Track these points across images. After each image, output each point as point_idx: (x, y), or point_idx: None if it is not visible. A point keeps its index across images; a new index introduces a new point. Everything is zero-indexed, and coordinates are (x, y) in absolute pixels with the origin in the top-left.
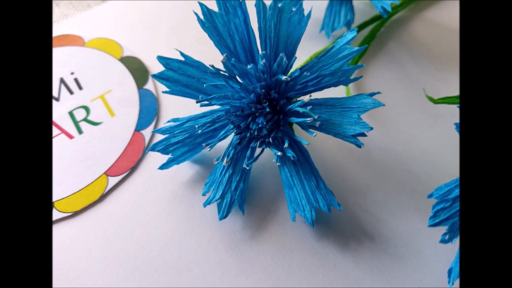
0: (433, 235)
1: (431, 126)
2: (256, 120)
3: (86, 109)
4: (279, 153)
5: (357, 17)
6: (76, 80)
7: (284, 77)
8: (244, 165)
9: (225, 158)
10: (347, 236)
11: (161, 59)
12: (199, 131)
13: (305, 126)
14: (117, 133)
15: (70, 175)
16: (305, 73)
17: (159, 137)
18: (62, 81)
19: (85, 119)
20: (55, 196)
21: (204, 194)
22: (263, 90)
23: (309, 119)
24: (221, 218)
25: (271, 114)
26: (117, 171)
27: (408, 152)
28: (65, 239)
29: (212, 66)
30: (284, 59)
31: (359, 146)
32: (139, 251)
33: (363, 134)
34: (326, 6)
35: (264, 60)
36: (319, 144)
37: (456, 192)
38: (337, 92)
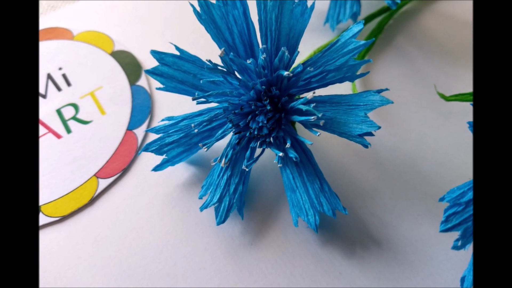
0: (444, 241)
1: (442, 124)
2: (256, 119)
3: (75, 106)
4: (281, 154)
5: (364, 9)
6: (64, 76)
7: (286, 73)
8: (243, 167)
9: (223, 159)
10: (353, 242)
11: (154, 53)
12: (196, 130)
13: (308, 125)
14: (108, 133)
15: (58, 177)
16: (308, 68)
17: (152, 136)
18: (49, 77)
19: (74, 118)
20: (42, 200)
21: (200, 198)
22: (264, 87)
23: (312, 117)
24: (218, 223)
25: (272, 112)
26: (108, 172)
27: (418, 153)
28: (52, 246)
29: (209, 61)
30: (286, 53)
31: (366, 146)
32: (131, 258)
33: (370, 134)
34: None
35: (264, 55)
36: (323, 144)
37: (470, 195)
38: (343, 88)
